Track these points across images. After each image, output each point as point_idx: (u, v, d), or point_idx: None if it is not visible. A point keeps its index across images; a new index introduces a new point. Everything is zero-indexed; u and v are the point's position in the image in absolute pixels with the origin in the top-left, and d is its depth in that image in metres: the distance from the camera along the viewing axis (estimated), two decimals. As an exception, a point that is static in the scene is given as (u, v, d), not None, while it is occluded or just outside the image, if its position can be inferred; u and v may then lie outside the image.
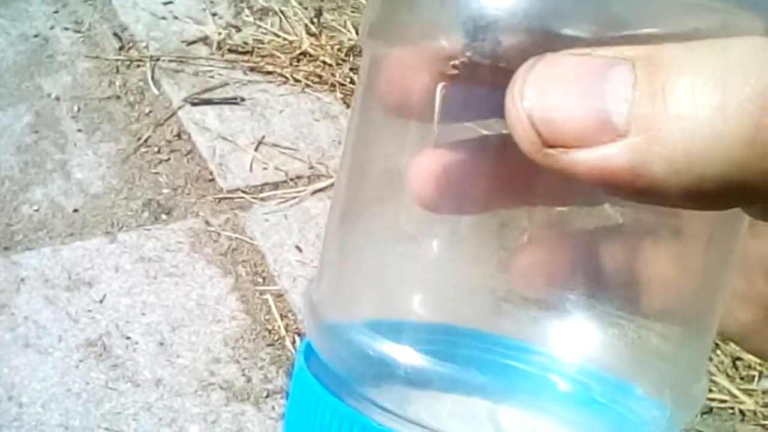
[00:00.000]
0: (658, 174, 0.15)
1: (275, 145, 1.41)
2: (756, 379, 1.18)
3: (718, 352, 1.19)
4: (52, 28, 1.56)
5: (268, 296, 1.19)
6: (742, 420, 1.15)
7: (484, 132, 0.19)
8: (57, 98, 1.44)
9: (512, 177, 0.19)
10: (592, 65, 0.15)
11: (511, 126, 0.16)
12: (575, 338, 0.20)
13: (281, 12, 1.64)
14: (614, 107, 0.15)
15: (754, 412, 1.15)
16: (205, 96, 1.47)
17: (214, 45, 1.55)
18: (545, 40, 0.16)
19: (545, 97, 0.15)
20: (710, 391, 1.17)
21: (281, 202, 1.32)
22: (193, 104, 1.45)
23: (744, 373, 1.18)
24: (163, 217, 1.29)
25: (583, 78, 0.15)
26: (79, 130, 1.40)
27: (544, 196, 0.20)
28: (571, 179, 0.15)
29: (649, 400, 0.20)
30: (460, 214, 0.21)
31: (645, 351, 0.20)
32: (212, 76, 1.50)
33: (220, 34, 1.57)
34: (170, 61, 1.52)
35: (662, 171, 0.15)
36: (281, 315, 1.17)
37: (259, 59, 1.54)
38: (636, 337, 0.20)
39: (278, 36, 1.59)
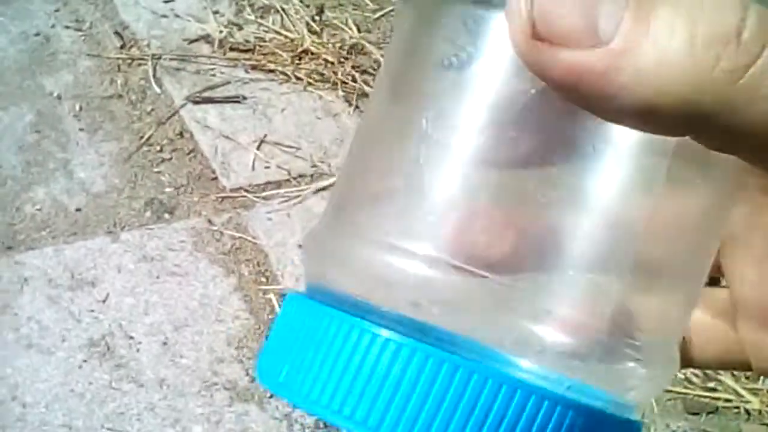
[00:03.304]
0: (624, 82, 0.17)
1: (277, 144, 1.40)
2: (761, 378, 1.17)
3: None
4: (53, 26, 1.55)
5: (271, 296, 1.19)
6: (748, 419, 1.15)
7: None
8: (58, 97, 1.44)
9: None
10: None
11: (510, 13, 0.18)
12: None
13: (282, 10, 1.63)
14: (603, 19, 0.17)
15: (759, 411, 1.15)
16: (207, 94, 1.46)
17: (216, 43, 1.55)
18: None
19: None
20: (715, 390, 1.17)
21: (284, 201, 1.32)
22: (195, 103, 1.45)
23: (749, 372, 1.18)
24: (166, 216, 1.29)
25: None
26: (81, 129, 1.40)
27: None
28: (543, 79, 0.18)
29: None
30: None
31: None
32: (214, 75, 1.50)
33: (221, 32, 1.57)
34: (172, 59, 1.52)
35: (628, 80, 0.17)
36: (284, 314, 1.16)
37: (261, 57, 1.54)
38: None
39: (280, 34, 1.59)
